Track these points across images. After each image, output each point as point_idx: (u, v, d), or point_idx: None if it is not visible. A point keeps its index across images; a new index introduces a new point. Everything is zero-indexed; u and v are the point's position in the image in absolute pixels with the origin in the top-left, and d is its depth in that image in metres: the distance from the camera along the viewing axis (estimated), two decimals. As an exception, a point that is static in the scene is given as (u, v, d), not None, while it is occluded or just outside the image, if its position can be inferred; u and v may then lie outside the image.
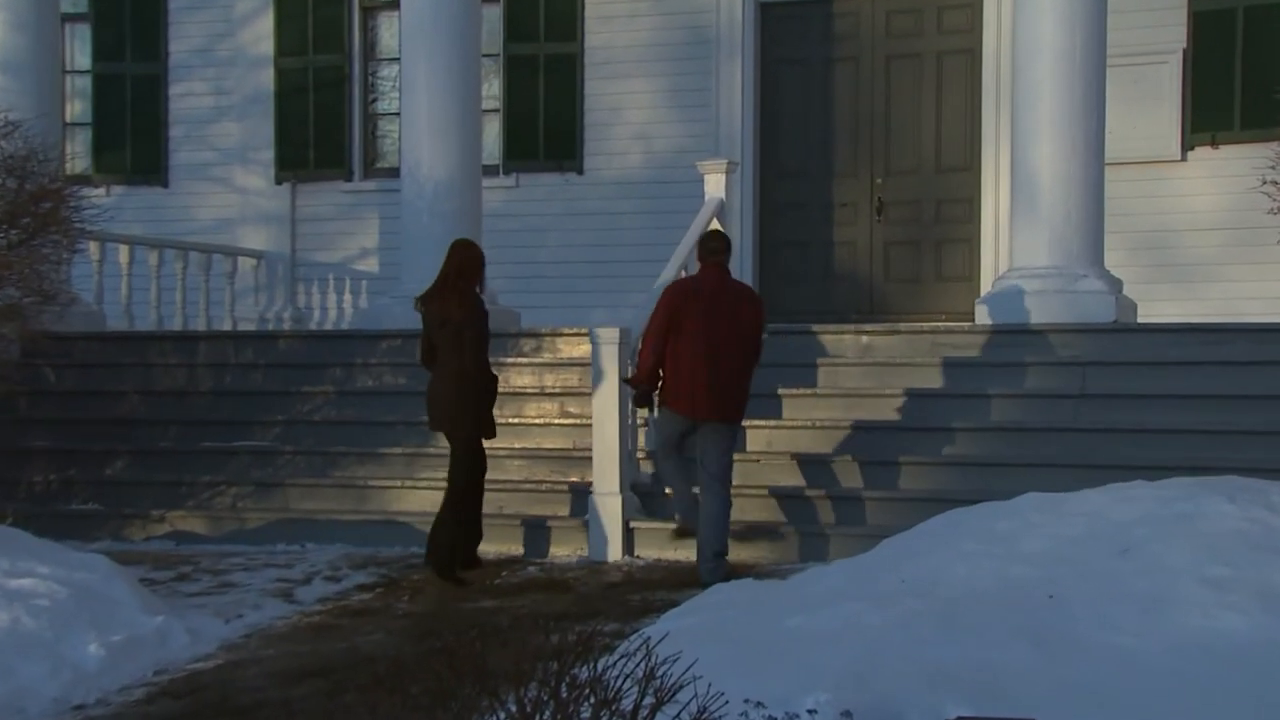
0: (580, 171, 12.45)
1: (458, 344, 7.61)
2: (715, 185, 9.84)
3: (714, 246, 7.51)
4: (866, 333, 9.05)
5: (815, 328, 9.36)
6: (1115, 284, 9.11)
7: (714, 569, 7.23)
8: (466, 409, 7.65)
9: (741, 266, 11.70)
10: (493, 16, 12.51)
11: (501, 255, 11.85)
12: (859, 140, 11.94)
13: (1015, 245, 9.23)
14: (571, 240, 12.34)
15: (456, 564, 7.61)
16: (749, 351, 7.38)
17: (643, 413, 8.46)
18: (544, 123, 12.48)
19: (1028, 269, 9.06)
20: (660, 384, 7.43)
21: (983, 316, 9.14)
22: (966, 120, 11.67)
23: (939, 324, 9.84)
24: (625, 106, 12.29)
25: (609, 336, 8.14)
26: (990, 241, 11.42)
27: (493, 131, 12.55)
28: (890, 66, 11.90)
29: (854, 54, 11.99)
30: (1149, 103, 11.08)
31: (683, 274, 8.66)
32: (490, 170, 12.10)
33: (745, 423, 8.78)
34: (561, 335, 9.68)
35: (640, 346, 7.72)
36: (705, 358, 7.24)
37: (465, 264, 7.71)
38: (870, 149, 11.78)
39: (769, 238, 12.11)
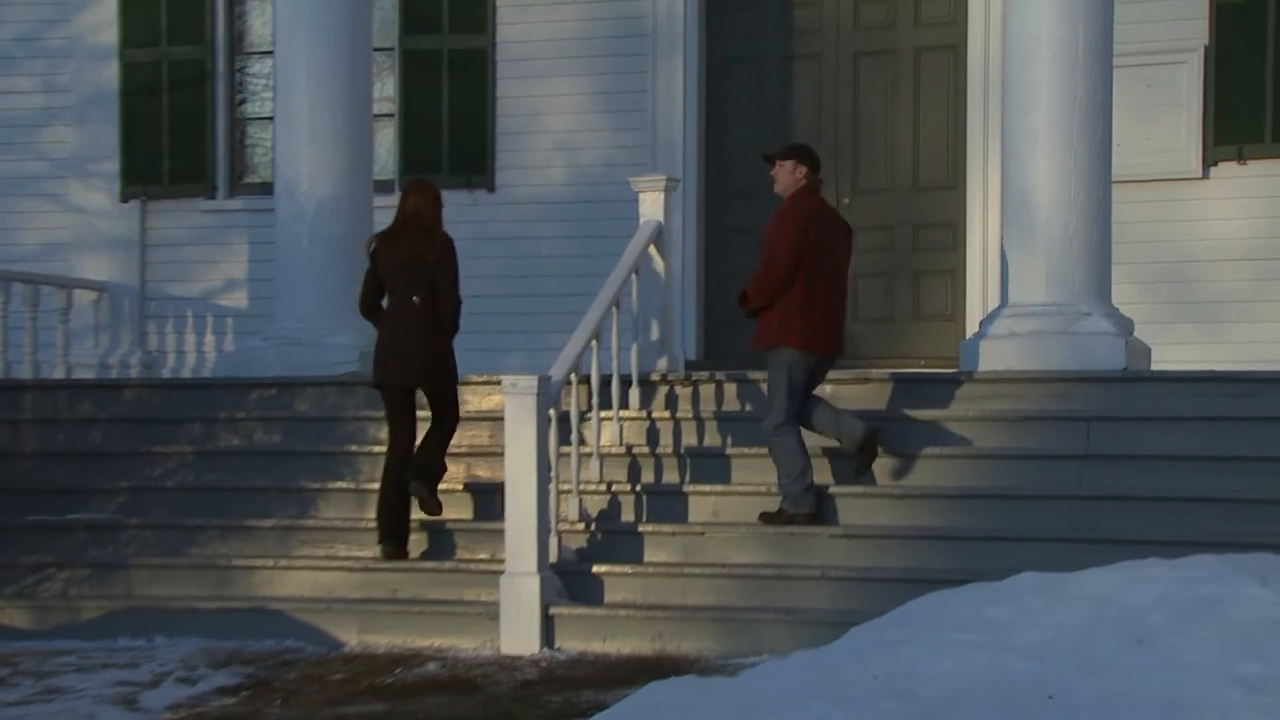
0: (491, 188, 12.48)
1: (428, 287, 8.57)
2: (652, 206, 9.89)
3: (819, 167, 8.79)
4: (830, 381, 9.10)
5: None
6: (1125, 324, 9.24)
7: (863, 422, 8.48)
8: (442, 356, 8.66)
9: (683, 303, 11.79)
10: (386, 3, 12.56)
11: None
12: (822, 153, 11.97)
13: (1007, 278, 9.34)
14: (481, 270, 12.27)
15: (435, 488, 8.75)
16: (846, 277, 8.79)
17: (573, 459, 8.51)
18: (448, 130, 12.52)
19: (1022, 306, 9.17)
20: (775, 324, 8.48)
21: (969, 362, 9.24)
22: (949, 129, 11.81)
23: (917, 370, 9.92)
24: (545, 112, 12.35)
25: (526, 385, 8.14)
26: (978, 273, 11.53)
27: (386, 140, 12.56)
28: (859, 65, 12.02)
29: (816, 50, 12.12)
30: (1164, 110, 11.23)
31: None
32: (384, 186, 12.07)
33: (687, 488, 8.87)
34: (468, 384, 9.67)
35: (766, 275, 8.55)
36: (830, 290, 8.51)
37: (425, 205, 8.70)
38: (835, 164, 11.86)
39: (715, 269, 12.17)
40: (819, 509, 8.52)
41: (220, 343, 12.40)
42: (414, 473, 8.75)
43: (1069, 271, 9.12)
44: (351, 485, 9.41)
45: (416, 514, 8.85)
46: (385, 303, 8.90)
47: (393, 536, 8.75)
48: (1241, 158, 11.14)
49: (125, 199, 13.06)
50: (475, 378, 9.73)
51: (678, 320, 11.13)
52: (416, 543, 8.92)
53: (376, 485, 8.93)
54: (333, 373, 10.23)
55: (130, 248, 13.05)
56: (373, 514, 8.91)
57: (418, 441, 8.82)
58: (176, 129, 13.02)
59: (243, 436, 9.93)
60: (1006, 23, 9.49)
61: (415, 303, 8.66)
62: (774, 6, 12.19)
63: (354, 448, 9.67)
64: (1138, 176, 11.10)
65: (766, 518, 8.54)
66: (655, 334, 9.88)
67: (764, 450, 8.79)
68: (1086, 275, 9.14)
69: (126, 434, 10.03)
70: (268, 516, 9.29)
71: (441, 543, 8.95)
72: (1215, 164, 11.20)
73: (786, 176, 8.82)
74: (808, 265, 8.49)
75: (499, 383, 8.58)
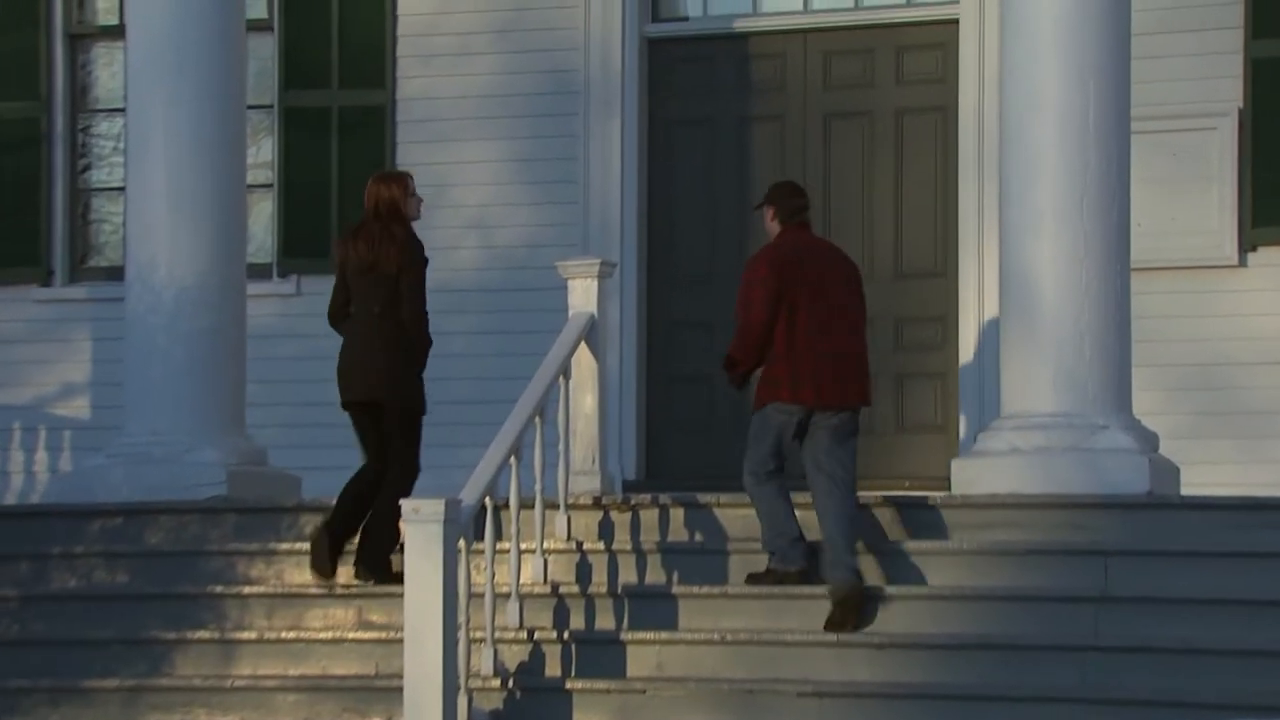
0: (389, 273, 12.53)
1: (391, 294, 9.18)
2: (584, 295, 9.91)
3: (800, 204, 9.24)
4: (796, 506, 9.15)
5: (724, 499, 9.48)
6: (1148, 439, 9.32)
7: (853, 570, 8.60)
8: (406, 373, 9.24)
9: (621, 411, 11.84)
10: (264, 52, 12.67)
11: (275, 394, 11.84)
12: (788, 233, 12.13)
13: (1007, 383, 9.43)
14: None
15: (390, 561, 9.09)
16: (863, 318, 9.17)
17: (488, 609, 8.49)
18: (338, 204, 12.55)
19: (1026, 417, 9.25)
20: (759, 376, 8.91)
21: (963, 484, 9.29)
22: (937, 206, 11.91)
23: (901, 494, 9.90)
24: (455, 182, 12.41)
25: (431, 512, 8.14)
26: (973, 378, 11.59)
27: (263, 215, 12.63)
28: (831, 130, 12.15)
29: (779, 111, 12.25)
30: (1193, 184, 11.31)
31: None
32: (260, 271, 12.12)
33: (625, 636, 8.87)
34: (359, 511, 9.65)
35: (744, 327, 8.97)
36: (822, 332, 8.84)
37: (387, 202, 9.34)
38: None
39: (660, 369, 12.25)
40: (812, 566, 8.75)
41: (55, 461, 12.33)
42: (359, 557, 9.20)
43: (1081, 375, 9.20)
44: (215, 635, 9.32)
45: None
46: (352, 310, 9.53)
47: (326, 551, 9.16)
48: (1285, 241, 11.26)
49: (-61, 286, 12.99)
50: (369, 502, 9.74)
51: (614, 432, 11.17)
52: (295, 707, 8.85)
53: (246, 634, 8.90)
54: (195, 497, 10.16)
55: (-56, 345, 12.98)
56: (241, 669, 8.87)
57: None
58: (3, 201, 13.00)
59: (81, 577, 9.83)
60: (1004, 80, 9.63)
61: (375, 313, 9.31)
62: (729, 59, 12.35)
63: (219, 589, 9.58)
64: (1162, 263, 11.17)
65: (754, 578, 8.85)
66: (587, 449, 9.89)
67: (720, 590, 8.84)
68: (1102, 380, 9.23)
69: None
70: (110, 675, 9.17)
71: (323, 704, 8.92)
72: (1254, 249, 11.29)
73: (766, 224, 9.34)
74: (789, 307, 8.89)
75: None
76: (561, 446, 9.57)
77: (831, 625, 8.62)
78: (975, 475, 9.27)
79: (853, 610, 8.60)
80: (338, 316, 9.60)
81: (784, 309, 8.88)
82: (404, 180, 9.61)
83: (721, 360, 9.16)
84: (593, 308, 9.90)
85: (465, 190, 12.45)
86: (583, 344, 9.80)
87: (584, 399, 9.89)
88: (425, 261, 9.45)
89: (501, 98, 12.47)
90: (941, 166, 11.95)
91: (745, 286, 9.04)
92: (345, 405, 9.51)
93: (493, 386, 11.45)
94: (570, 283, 9.99)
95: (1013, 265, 9.44)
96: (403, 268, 9.25)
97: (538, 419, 9.21)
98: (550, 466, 9.41)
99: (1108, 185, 9.32)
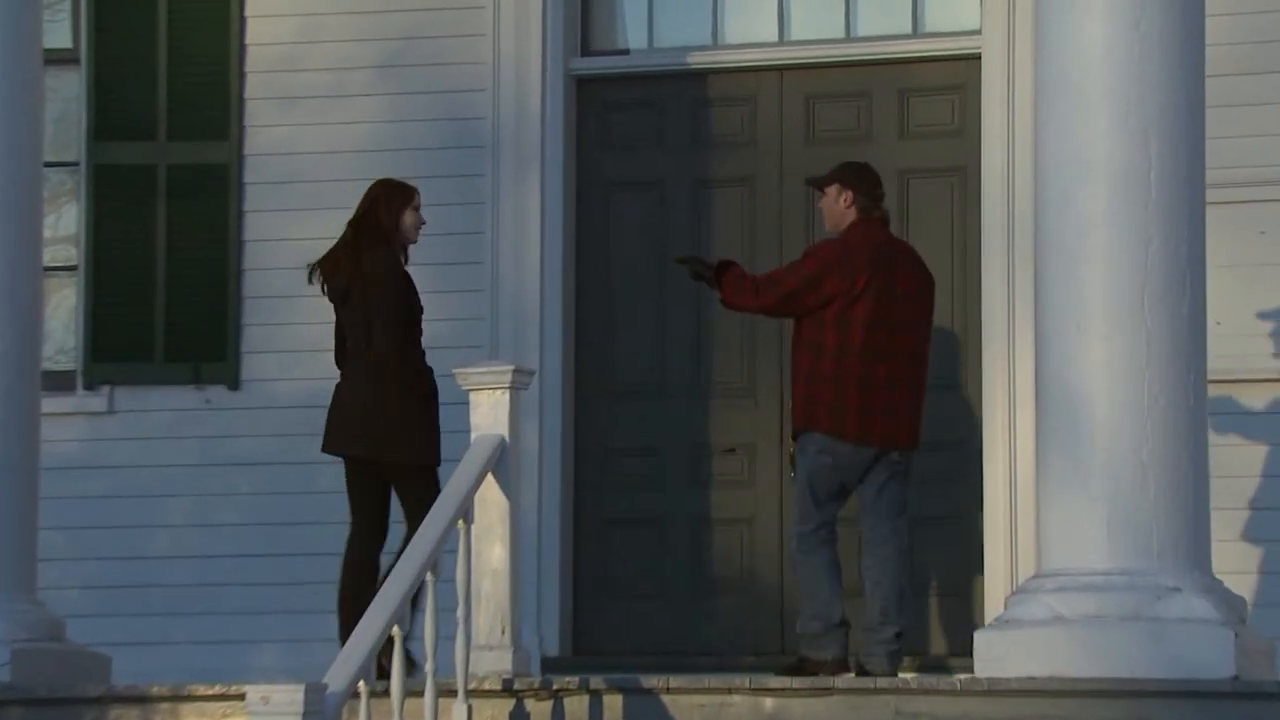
0: (234, 384, 12.56)
1: (365, 323, 10.06)
2: (491, 413, 9.84)
3: (881, 192, 10.17)
4: (771, 692, 9.14)
5: (675, 683, 9.42)
6: (1233, 606, 9.26)
7: (895, 652, 9.76)
8: (401, 419, 9.91)
9: (540, 566, 11.86)
10: (68, 91, 12.72)
11: (80, 545, 11.81)
12: (758, 330, 12.18)
13: (1048, 531, 9.35)
14: (216, 516, 12.28)
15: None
16: (928, 340, 10.20)
17: None
18: (165, 290, 12.59)
19: (1071, 575, 9.18)
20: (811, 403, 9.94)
21: (989, 664, 9.18)
22: (954, 299, 12.01)
23: (907, 678, 9.92)
24: (322, 263, 12.46)
25: (286, 702, 8.06)
26: (1000, 523, 11.67)
27: (65, 307, 12.65)
28: (815, 195, 12.14)
29: (748, 172, 12.36)
30: (1286, 269, 11.48)
31: None
32: (60, 381, 12.10)
33: None
34: (192, 699, 9.59)
35: (776, 278, 10.13)
36: (880, 355, 9.82)
37: (368, 210, 10.34)
38: (781, 347, 11.96)
39: (591, 511, 12.28)
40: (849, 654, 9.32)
41: None
42: None
43: (1144, 521, 9.14)
44: None
45: None
46: None
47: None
48: None
49: None
50: (202, 689, 9.61)
51: (531, 593, 11.23)
52: None
53: None
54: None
55: None
56: None
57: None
58: None
59: None
60: (1040, 134, 9.58)
61: (362, 349, 10.23)
62: (682, 104, 12.49)
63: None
64: (1247, 373, 11.29)
65: (786, 670, 9.52)
66: (495, 616, 9.80)
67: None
68: (1171, 527, 9.17)
69: None
70: None
71: None
72: (1367, 355, 11.44)
73: (831, 207, 10.08)
74: (845, 317, 9.75)
75: (242, 697, 8.51)
76: (461, 612, 9.40)
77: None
78: (1005, 651, 9.20)
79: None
80: (340, 359, 10.53)
81: (837, 315, 9.78)
82: (410, 191, 10.51)
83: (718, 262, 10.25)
84: (503, 429, 9.84)
85: (335, 274, 12.40)
86: (489, 477, 9.72)
87: (491, 549, 9.80)
88: (403, 278, 10.29)
89: (386, 153, 12.43)
90: (959, 245, 12.07)
91: (788, 266, 10.19)
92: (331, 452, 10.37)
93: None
94: (473, 396, 9.92)
95: (1052, 376, 9.38)
96: (371, 289, 10.15)
97: (430, 576, 9.12)
98: (446, 639, 9.27)
99: (1176, 271, 9.29)
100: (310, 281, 10.54)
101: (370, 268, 10.20)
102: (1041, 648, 9.11)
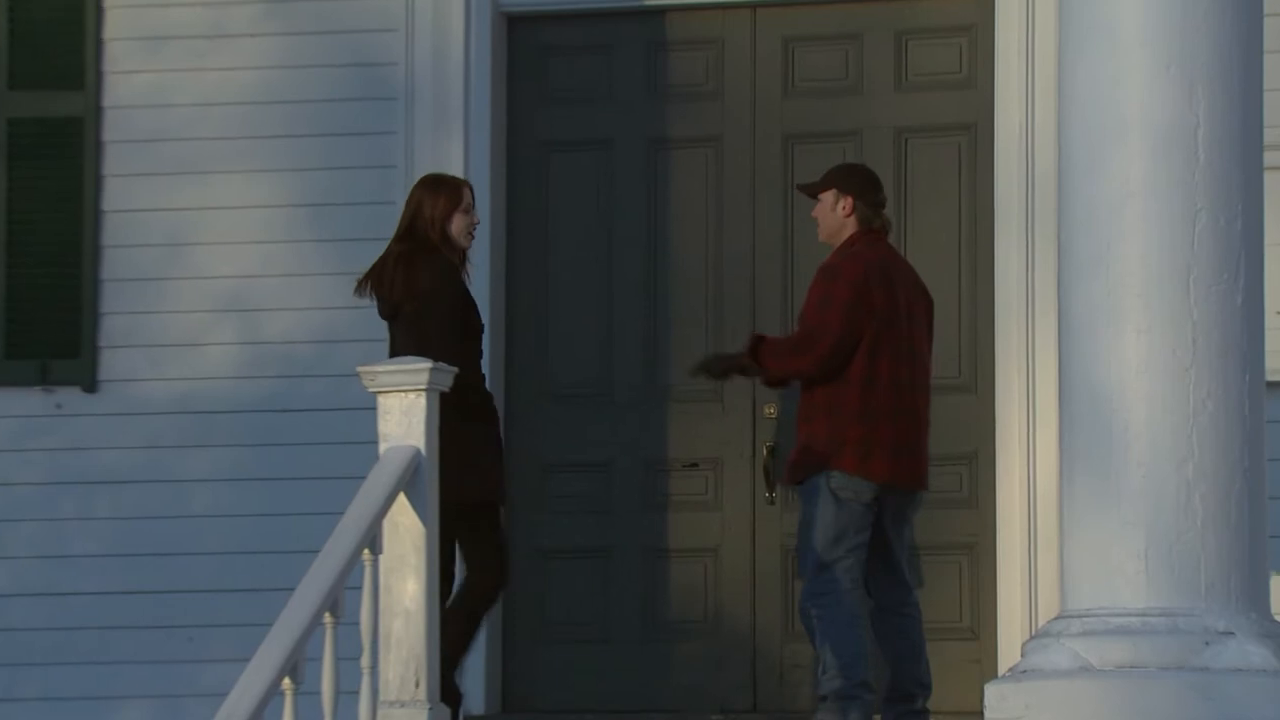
0: (90, 386, 12.52)
1: (416, 345, 10.03)
2: (402, 420, 9.82)
3: (883, 199, 10.40)
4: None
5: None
6: (1296, 651, 9.30)
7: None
8: (461, 453, 9.98)
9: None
10: None
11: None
12: (724, 321, 12.21)
13: (1073, 562, 9.33)
14: (71, 545, 12.23)
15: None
16: (929, 369, 10.55)
17: None
18: (6, 276, 12.58)
19: (1101, 616, 9.16)
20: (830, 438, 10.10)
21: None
22: (961, 282, 12.11)
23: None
24: (199, 238, 12.51)
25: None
26: (1016, 551, 11.74)
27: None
28: (794, 159, 12.29)
29: (714, 130, 12.40)
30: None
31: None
32: None
33: None
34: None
35: (817, 329, 10.17)
36: (903, 388, 10.17)
37: (416, 215, 10.56)
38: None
39: (522, 537, 12.19)
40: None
41: None
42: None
43: (1188, 551, 9.12)
44: None
45: None
46: None
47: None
48: None
49: None
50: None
51: (451, 639, 11.11)
52: None
53: None
54: None
55: None
56: None
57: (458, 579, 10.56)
58: None
59: None
60: (1064, 85, 9.58)
61: None
62: (635, 49, 12.51)
63: None
64: (1314, 372, 11.34)
65: None
66: (408, 666, 9.80)
67: None
68: (1221, 558, 9.15)
69: None
70: None
71: None
72: None
73: (826, 215, 10.29)
74: (870, 349, 10.08)
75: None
76: (366, 661, 9.43)
77: None
78: (1022, 708, 9.17)
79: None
80: None
81: (864, 348, 10.05)
82: (458, 188, 10.78)
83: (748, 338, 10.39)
84: (418, 439, 9.81)
85: (215, 252, 12.48)
86: (402, 497, 9.69)
87: (403, 585, 9.78)
88: (458, 292, 10.55)
89: (275, 106, 12.53)
90: (968, 218, 12.14)
91: (815, 307, 10.19)
92: None
93: (258, 565, 11.50)
94: (381, 400, 9.88)
95: (1079, 376, 9.35)
96: (422, 305, 10.40)
97: (328, 617, 9.08)
98: (348, 694, 9.27)
99: (1228, 249, 9.27)
100: (358, 294, 10.80)
101: (423, 284, 10.47)
102: (1065, 704, 9.09)
